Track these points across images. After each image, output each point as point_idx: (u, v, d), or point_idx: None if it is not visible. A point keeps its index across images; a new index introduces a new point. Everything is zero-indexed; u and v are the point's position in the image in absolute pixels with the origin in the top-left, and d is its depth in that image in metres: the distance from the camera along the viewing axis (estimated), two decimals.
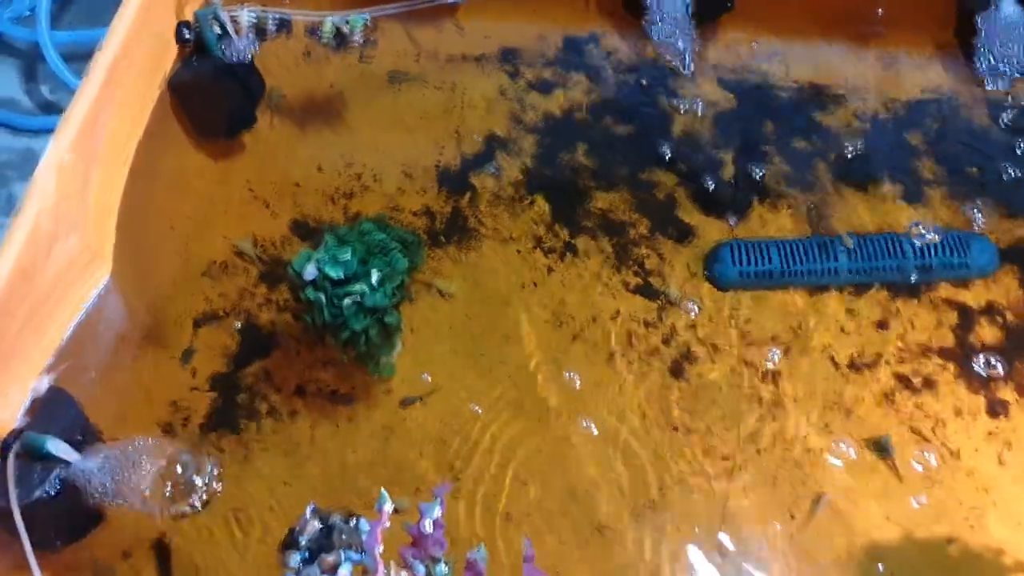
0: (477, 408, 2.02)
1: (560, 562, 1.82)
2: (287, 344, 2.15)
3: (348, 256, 2.00)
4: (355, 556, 1.79)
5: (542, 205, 2.35)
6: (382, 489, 1.62)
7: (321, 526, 1.86)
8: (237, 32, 2.20)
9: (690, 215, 2.29)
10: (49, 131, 2.07)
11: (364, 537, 1.74)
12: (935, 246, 2.09)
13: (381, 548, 1.60)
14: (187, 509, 1.87)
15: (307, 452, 2.02)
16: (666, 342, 2.09)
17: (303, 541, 1.85)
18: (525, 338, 2.12)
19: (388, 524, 1.60)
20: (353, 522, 1.88)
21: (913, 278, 2.09)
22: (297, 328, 2.19)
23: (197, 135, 2.32)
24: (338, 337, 2.05)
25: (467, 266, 2.24)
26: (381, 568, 1.61)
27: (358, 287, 2.00)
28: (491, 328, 2.16)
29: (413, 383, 2.12)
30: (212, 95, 2.27)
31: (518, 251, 2.25)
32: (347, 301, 1.99)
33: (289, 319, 2.19)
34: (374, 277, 2.02)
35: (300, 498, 1.92)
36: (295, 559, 1.82)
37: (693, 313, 2.14)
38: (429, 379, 2.12)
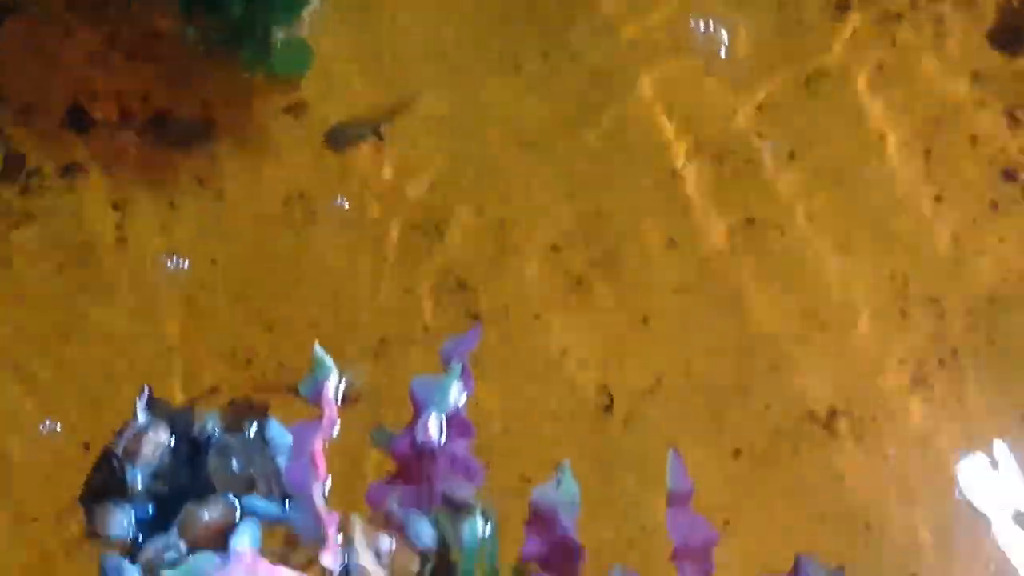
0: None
1: None
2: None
3: None
4: (262, 506, 1.03)
5: None
6: (315, 347, 0.96)
7: (173, 439, 1.05)
8: None
9: None
10: None
11: (282, 463, 1.05)
12: None
13: (326, 484, 0.95)
14: None
15: (113, 275, 1.52)
16: None
17: (134, 482, 1.03)
18: None
19: (335, 426, 0.95)
20: (251, 427, 1.08)
21: None
22: None
23: None
24: None
25: None
26: (332, 531, 0.94)
27: None
28: None
29: (352, 92, 1.56)
30: None
31: None
32: None
33: None
34: None
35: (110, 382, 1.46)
36: (115, 522, 1.02)
37: None
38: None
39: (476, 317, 1.46)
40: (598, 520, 1.38)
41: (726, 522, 1.36)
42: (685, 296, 1.47)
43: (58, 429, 1.45)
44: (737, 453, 1.40)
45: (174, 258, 1.51)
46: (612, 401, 1.43)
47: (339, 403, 0.94)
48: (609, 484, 1.40)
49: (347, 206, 1.52)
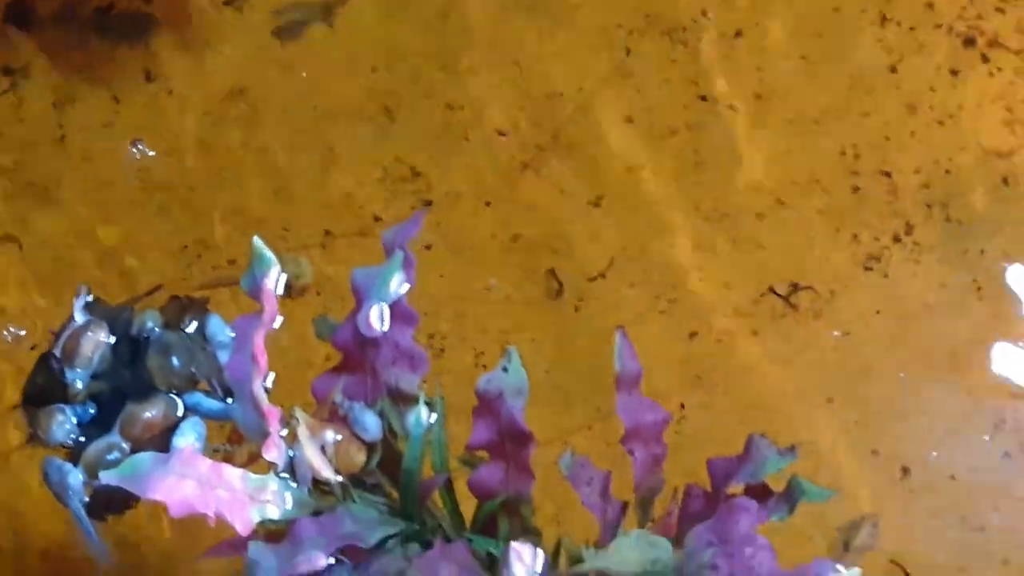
0: None
1: None
2: None
3: None
4: (205, 403, 1.03)
5: None
6: (254, 239, 0.92)
7: (111, 338, 1.04)
8: None
9: None
10: None
11: (222, 357, 1.05)
12: None
13: (267, 378, 0.92)
14: None
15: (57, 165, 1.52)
16: None
17: (74, 384, 1.02)
18: None
19: (276, 319, 0.91)
20: (191, 323, 1.06)
21: None
22: None
23: None
24: None
25: None
26: (275, 425, 0.91)
27: None
28: None
29: None
30: None
31: None
32: None
33: None
34: None
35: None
36: (56, 425, 1.01)
37: None
38: None
39: (429, 204, 1.44)
40: (551, 405, 1.38)
41: (681, 405, 1.35)
42: (637, 176, 1.43)
43: (22, 334, 1.46)
44: (693, 335, 1.39)
45: (139, 145, 1.48)
46: (562, 285, 1.41)
47: (281, 296, 0.93)
48: (562, 369, 1.38)
49: (304, 74, 1.48)
